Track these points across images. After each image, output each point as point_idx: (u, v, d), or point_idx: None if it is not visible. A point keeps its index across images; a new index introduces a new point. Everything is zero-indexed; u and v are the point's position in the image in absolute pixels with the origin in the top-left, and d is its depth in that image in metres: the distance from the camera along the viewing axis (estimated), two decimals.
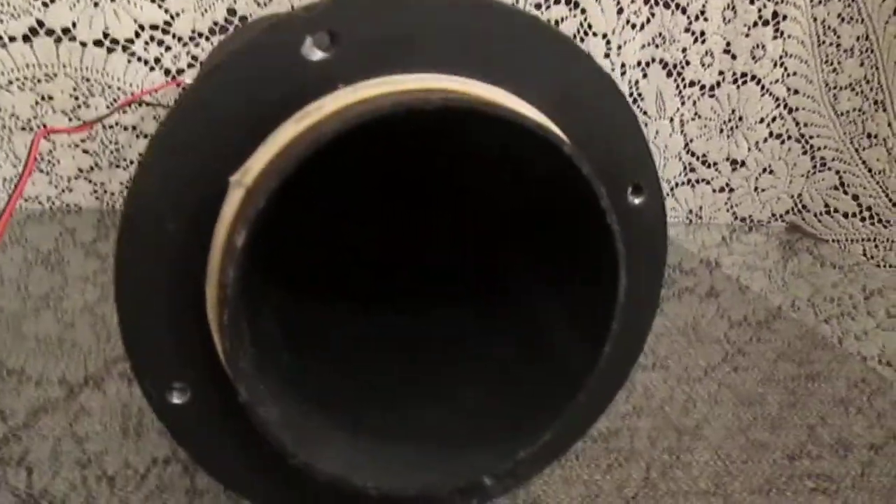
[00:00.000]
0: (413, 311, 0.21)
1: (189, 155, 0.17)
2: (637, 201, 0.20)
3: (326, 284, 0.21)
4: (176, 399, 0.18)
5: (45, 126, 0.37)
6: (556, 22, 0.47)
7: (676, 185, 0.53)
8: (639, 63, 0.48)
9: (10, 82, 0.44)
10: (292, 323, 0.20)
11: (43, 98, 0.44)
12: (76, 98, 0.45)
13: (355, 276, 0.21)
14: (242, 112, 0.17)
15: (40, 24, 0.43)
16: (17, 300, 0.43)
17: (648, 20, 0.47)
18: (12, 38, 0.43)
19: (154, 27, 0.44)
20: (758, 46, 0.49)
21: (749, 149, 0.52)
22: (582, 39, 0.47)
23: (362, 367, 0.20)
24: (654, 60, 0.49)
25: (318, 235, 0.20)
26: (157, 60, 0.45)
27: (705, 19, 0.47)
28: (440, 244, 0.21)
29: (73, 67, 0.44)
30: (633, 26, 0.47)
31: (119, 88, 0.45)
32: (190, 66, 0.46)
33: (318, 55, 0.17)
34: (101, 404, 0.33)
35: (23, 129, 0.45)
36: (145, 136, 0.47)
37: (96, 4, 0.43)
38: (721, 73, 0.49)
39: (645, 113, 0.50)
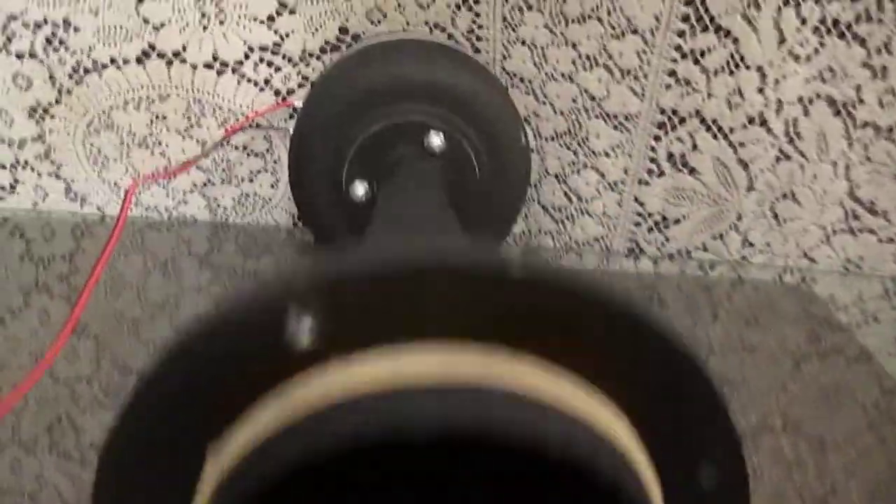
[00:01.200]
0: None
1: (165, 422, 0.15)
2: (712, 482, 0.17)
3: None
4: None
5: (137, 176, 0.37)
6: (702, 52, 0.41)
7: (834, 231, 0.45)
8: (800, 99, 0.41)
9: (127, 102, 0.44)
10: None
11: (157, 117, 0.45)
12: (188, 118, 0.45)
13: None
14: (222, 382, 0.15)
15: (152, 47, 0.42)
16: (137, 306, 0.45)
17: (816, 51, 0.40)
18: (126, 61, 0.42)
19: (263, 48, 0.43)
20: None
21: None
22: (731, 73, 0.41)
23: None
24: (818, 97, 0.41)
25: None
26: (267, 81, 0.44)
27: (889, 52, 0.39)
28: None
29: (184, 89, 0.43)
30: (797, 58, 0.40)
31: (229, 109, 0.44)
32: (300, 86, 0.44)
33: (305, 329, 0.15)
34: None
35: (139, 145, 0.46)
36: (255, 155, 0.46)
37: (205, 28, 0.42)
38: None
39: (802, 154, 0.43)
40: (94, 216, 0.49)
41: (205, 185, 0.47)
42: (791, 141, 0.42)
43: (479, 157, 0.38)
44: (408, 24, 0.43)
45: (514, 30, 0.43)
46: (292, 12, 0.42)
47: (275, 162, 0.46)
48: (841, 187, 0.44)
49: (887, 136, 0.42)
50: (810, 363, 0.44)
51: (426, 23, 0.43)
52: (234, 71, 0.43)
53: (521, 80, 0.44)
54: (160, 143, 0.45)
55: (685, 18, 0.40)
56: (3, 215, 0.49)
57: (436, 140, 0.36)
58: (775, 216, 0.45)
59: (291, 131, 0.44)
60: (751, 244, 0.47)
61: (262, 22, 0.42)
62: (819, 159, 0.43)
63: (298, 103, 0.44)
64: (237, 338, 0.15)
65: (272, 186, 0.47)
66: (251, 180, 0.47)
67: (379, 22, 0.43)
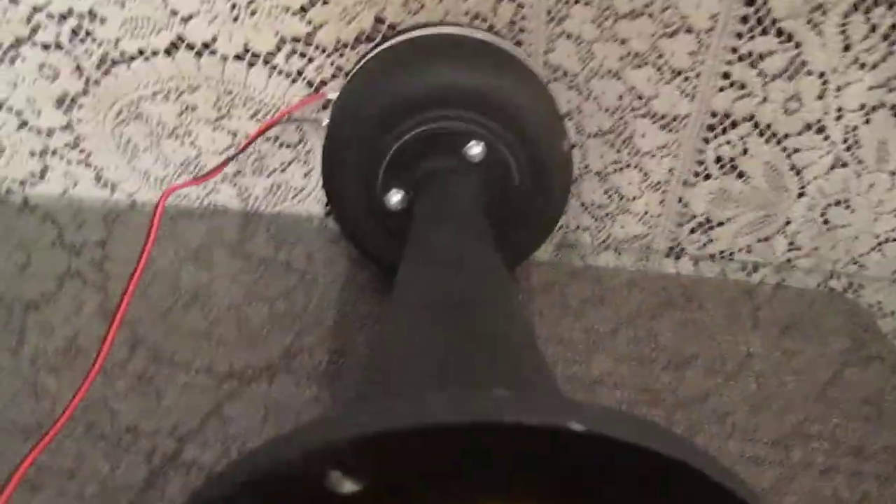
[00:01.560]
0: None
1: None
2: None
3: None
4: None
5: (168, 188, 0.36)
6: (760, 55, 0.38)
7: (886, 240, 0.43)
8: (862, 107, 0.39)
9: (155, 93, 0.43)
10: None
11: (187, 108, 0.43)
12: (219, 109, 0.43)
13: None
14: None
15: (181, 38, 0.40)
16: (170, 295, 0.45)
17: (884, 59, 0.37)
18: (154, 52, 0.41)
19: (296, 39, 0.41)
20: None
21: None
22: (791, 78, 0.38)
23: None
24: (882, 105, 0.39)
25: None
26: (300, 72, 0.42)
27: None
28: None
29: (214, 80, 0.42)
30: (863, 65, 0.37)
31: (260, 101, 0.43)
32: (334, 76, 0.42)
33: (346, 486, 0.14)
34: (246, 394, 0.37)
35: (169, 136, 0.44)
36: (287, 146, 0.45)
37: (236, 19, 0.40)
38: None
39: (860, 162, 0.41)
40: (125, 203, 0.48)
41: (235, 174, 0.46)
42: (849, 148, 0.40)
43: (519, 165, 0.36)
44: (447, 14, 0.41)
45: (559, 23, 0.40)
46: (325, 2, 0.40)
47: (307, 152, 0.45)
48: None
49: None
50: (850, 371, 0.43)
51: (466, 13, 0.41)
52: (265, 62, 0.41)
53: (565, 73, 0.42)
54: (190, 134, 0.44)
55: (744, 20, 0.37)
56: (33, 202, 0.49)
57: (475, 150, 0.35)
58: (825, 222, 0.43)
59: (325, 122, 0.43)
60: (798, 248, 0.45)
61: (294, 12, 0.40)
62: (877, 168, 0.41)
63: (332, 95, 0.43)
64: (276, 487, 0.14)
65: (304, 176, 0.46)
66: (283, 171, 0.46)
67: (417, 12, 0.41)
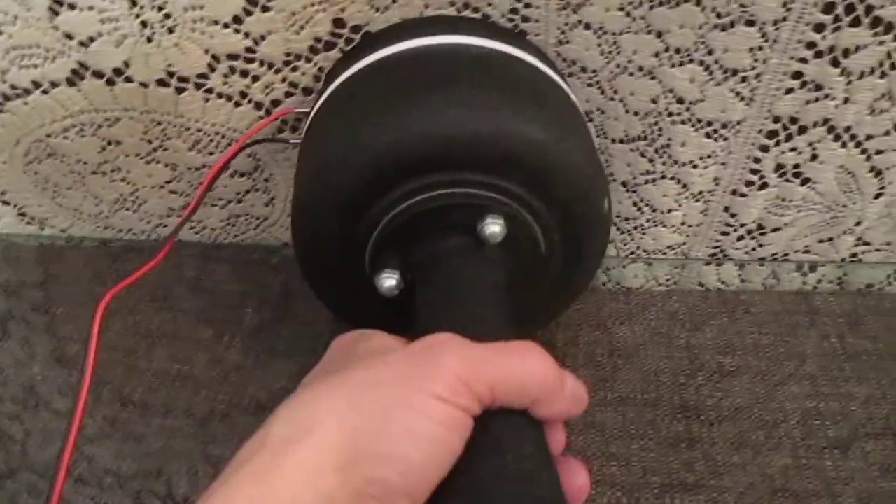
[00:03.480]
0: None
1: None
2: None
3: None
4: None
5: (107, 293, 0.27)
6: (845, 51, 0.29)
7: None
8: None
9: (66, 129, 0.34)
10: None
11: (109, 143, 0.34)
12: (149, 142, 0.34)
13: None
14: None
15: (84, 66, 0.31)
16: (129, 336, 0.40)
17: None
18: (54, 84, 0.32)
19: (233, 56, 0.31)
20: None
21: None
22: (884, 75, 0.29)
23: None
24: None
25: None
26: (244, 94, 0.33)
27: None
28: None
29: (136, 111, 0.33)
30: None
31: (200, 130, 0.34)
32: (288, 94, 0.33)
33: None
34: (229, 433, 0.34)
35: (94, 173, 0.36)
36: (241, 175, 0.36)
37: (150, 40, 0.30)
38: None
39: None
40: (59, 238, 0.41)
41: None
42: None
43: (547, 233, 0.27)
44: (426, 7, 0.31)
45: (574, 11, 0.30)
46: (266, 9, 0.30)
47: (265, 180, 0.37)
48: None
49: None
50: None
51: (452, 3, 0.31)
52: (197, 86, 0.32)
53: (583, 69, 0.33)
54: (119, 170, 0.36)
55: (828, 8, 0.27)
56: None
57: (493, 228, 0.25)
58: None
59: (291, 141, 0.34)
60: (867, 244, 0.37)
61: (226, 25, 0.30)
62: None
63: (300, 109, 0.33)
64: None
65: (266, 205, 0.38)
66: (239, 201, 0.37)
67: (384, 9, 0.31)
